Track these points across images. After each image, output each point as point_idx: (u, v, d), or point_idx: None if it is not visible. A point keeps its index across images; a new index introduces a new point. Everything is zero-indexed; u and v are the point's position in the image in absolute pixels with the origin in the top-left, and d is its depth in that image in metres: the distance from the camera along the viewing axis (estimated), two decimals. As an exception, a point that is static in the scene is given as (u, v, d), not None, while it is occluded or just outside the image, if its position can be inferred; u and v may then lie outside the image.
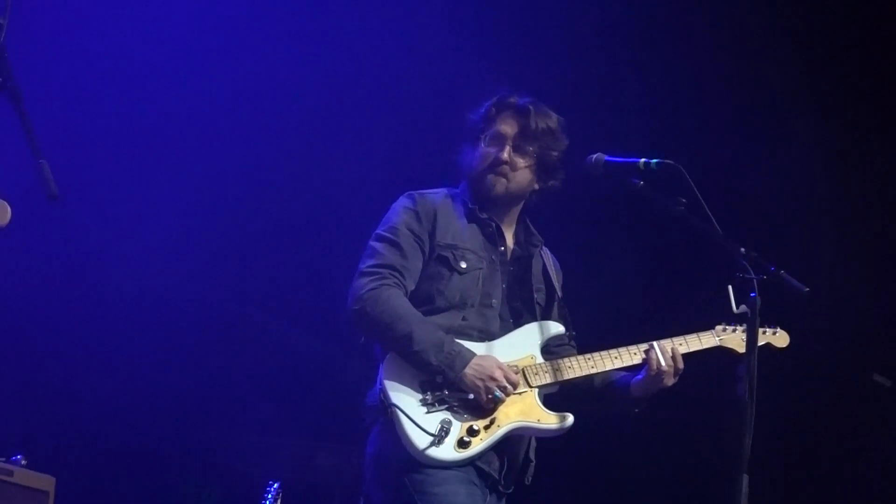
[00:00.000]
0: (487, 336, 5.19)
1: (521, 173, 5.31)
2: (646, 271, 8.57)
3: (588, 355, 5.25)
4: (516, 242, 5.44)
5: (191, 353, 8.54)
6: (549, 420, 5.09)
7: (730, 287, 4.78)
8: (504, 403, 5.03)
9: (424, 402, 4.98)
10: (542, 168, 5.35)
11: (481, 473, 5.07)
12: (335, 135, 8.51)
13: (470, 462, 5.01)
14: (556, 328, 5.32)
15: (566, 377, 5.19)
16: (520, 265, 5.42)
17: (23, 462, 6.55)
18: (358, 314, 5.06)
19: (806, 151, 8.37)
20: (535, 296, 5.38)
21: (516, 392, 5.06)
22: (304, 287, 8.70)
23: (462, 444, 4.95)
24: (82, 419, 8.46)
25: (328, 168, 8.51)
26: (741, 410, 4.46)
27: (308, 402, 8.81)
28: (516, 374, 5.08)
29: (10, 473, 6.44)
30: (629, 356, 5.24)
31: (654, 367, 5.17)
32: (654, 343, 5.22)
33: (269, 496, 6.95)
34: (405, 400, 4.96)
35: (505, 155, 5.28)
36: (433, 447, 4.91)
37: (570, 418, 5.10)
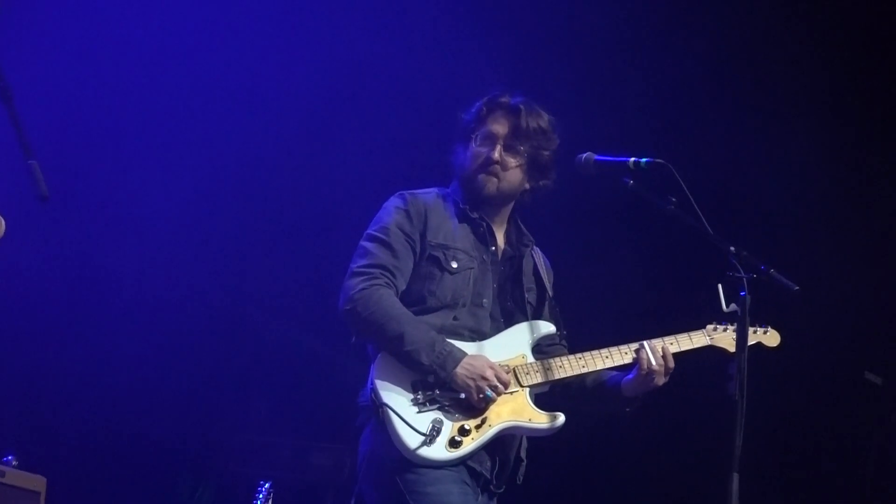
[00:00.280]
0: (479, 336, 5.20)
1: (513, 173, 5.31)
2: (637, 271, 8.57)
3: (579, 355, 5.25)
4: (507, 242, 5.44)
5: (183, 353, 8.54)
6: (540, 419, 5.09)
7: (720, 286, 4.78)
8: (495, 403, 5.04)
9: (416, 402, 4.98)
10: (533, 167, 5.35)
11: (473, 473, 5.07)
12: (330, 134, 8.51)
13: (461, 461, 5.01)
14: (547, 328, 5.32)
15: (557, 377, 5.20)
16: (511, 265, 5.42)
17: (14, 463, 6.56)
18: (349, 314, 5.06)
19: (801, 150, 8.37)
20: (527, 295, 5.38)
21: (507, 392, 5.06)
22: (297, 286, 8.70)
23: (453, 443, 4.95)
24: (74, 419, 8.46)
25: (324, 168, 8.51)
26: (732, 409, 4.46)
27: (300, 402, 8.81)
28: (507, 373, 5.08)
29: (2, 474, 6.46)
30: (620, 356, 5.25)
31: (645, 366, 5.17)
32: (645, 342, 5.23)
33: (261, 496, 6.95)
34: (396, 399, 4.96)
35: (496, 154, 5.28)
36: (424, 447, 4.91)
37: (562, 418, 5.11)
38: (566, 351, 5.37)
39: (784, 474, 8.57)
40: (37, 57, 7.74)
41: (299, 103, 8.37)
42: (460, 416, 4.99)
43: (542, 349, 5.34)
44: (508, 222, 5.46)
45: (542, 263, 5.52)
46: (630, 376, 5.24)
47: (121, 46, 8.13)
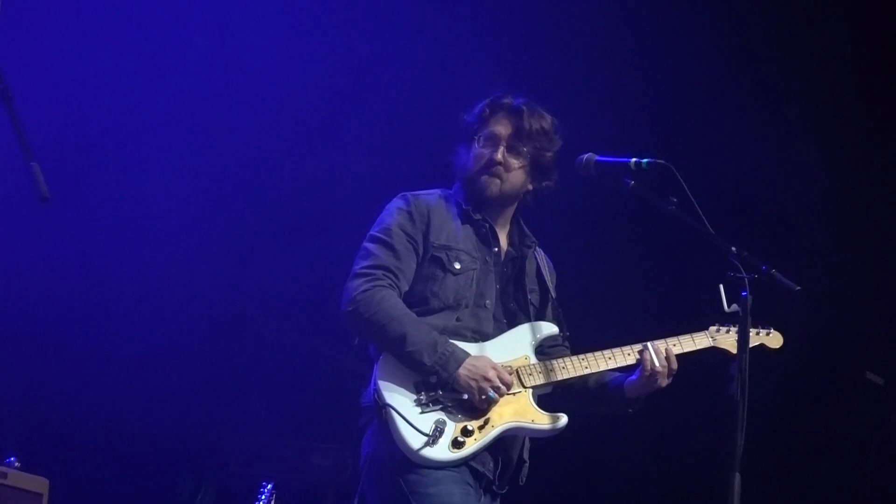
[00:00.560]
0: (481, 337, 5.20)
1: (515, 174, 5.31)
2: (639, 271, 8.57)
3: (582, 356, 5.25)
4: (510, 243, 5.45)
5: (185, 354, 8.54)
6: (542, 420, 5.09)
7: (721, 286, 4.78)
8: (498, 404, 5.04)
9: (419, 403, 4.98)
10: (535, 169, 5.35)
11: (475, 474, 5.07)
12: (332, 134, 8.50)
13: (464, 462, 5.02)
14: (550, 329, 5.33)
15: (560, 378, 5.20)
16: (513, 266, 5.42)
17: (17, 464, 6.56)
18: (352, 315, 5.07)
19: (801, 149, 8.37)
20: (529, 296, 5.38)
21: (510, 392, 5.07)
22: (298, 287, 8.70)
23: (456, 444, 4.96)
24: (76, 421, 8.46)
25: (326, 168, 8.51)
26: (733, 410, 4.47)
27: (302, 403, 8.80)
28: (510, 374, 5.08)
29: (4, 476, 6.45)
30: (623, 357, 5.25)
31: (648, 367, 5.17)
32: (648, 344, 5.23)
33: (263, 496, 6.96)
34: (399, 400, 4.97)
35: (499, 156, 5.28)
36: (427, 447, 4.92)
37: (564, 419, 5.11)
38: (569, 352, 5.37)
39: (785, 474, 8.57)
40: (36, 57, 7.74)
41: (300, 104, 8.37)
42: (463, 417, 4.99)
43: (544, 350, 5.34)
44: (511, 223, 5.46)
45: (545, 264, 5.52)
46: (633, 377, 5.23)
47: (121, 47, 8.13)
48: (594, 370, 5.24)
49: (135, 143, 8.32)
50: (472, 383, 4.97)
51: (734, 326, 5.30)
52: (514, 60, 8.29)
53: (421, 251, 5.22)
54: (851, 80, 8.43)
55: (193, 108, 8.29)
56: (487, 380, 4.98)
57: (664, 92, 8.56)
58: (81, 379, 8.33)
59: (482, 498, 5.11)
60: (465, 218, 5.33)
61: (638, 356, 5.21)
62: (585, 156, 5.14)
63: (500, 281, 5.35)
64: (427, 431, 4.91)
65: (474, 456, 5.01)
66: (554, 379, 5.19)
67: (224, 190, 8.46)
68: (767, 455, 7.94)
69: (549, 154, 5.34)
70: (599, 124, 7.76)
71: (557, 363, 5.20)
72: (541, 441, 5.22)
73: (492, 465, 5.11)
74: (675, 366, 5.21)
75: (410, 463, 4.92)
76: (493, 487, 5.16)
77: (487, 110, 5.37)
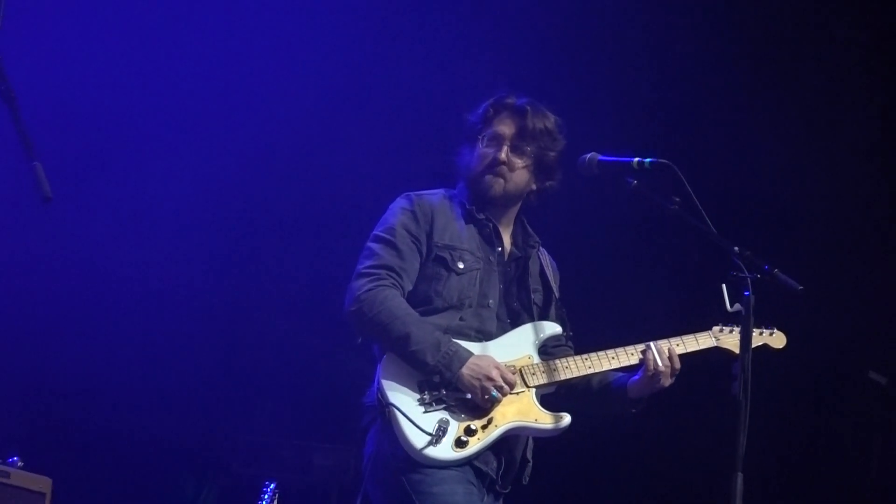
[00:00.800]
0: (485, 336, 5.20)
1: (519, 174, 5.31)
2: (643, 271, 8.57)
3: (585, 356, 5.25)
4: (514, 243, 5.45)
5: (188, 354, 8.54)
6: (546, 420, 5.10)
7: (723, 286, 4.78)
8: (501, 403, 5.04)
9: (422, 402, 4.99)
10: (539, 168, 5.35)
11: (479, 473, 5.08)
12: (335, 133, 8.50)
13: (467, 462, 5.02)
14: (553, 328, 5.33)
15: (563, 377, 5.20)
16: (517, 266, 5.42)
17: (20, 464, 6.55)
18: (355, 315, 5.07)
19: (802, 150, 8.37)
20: (533, 296, 5.39)
21: (513, 392, 5.07)
22: (301, 287, 8.70)
23: (459, 443, 4.96)
24: (79, 420, 8.46)
25: (329, 167, 8.51)
26: (736, 409, 4.47)
27: (305, 403, 8.81)
28: (513, 374, 5.08)
29: (7, 475, 6.45)
30: (626, 357, 5.25)
31: (651, 367, 5.17)
32: (651, 344, 5.22)
33: (266, 496, 6.95)
34: (403, 399, 4.97)
35: (502, 155, 5.28)
36: (431, 447, 4.92)
37: (567, 418, 5.11)
38: (572, 352, 5.37)
39: (787, 474, 8.57)
40: (38, 56, 7.74)
41: (302, 103, 8.37)
42: (466, 417, 4.99)
43: (548, 350, 5.34)
44: (515, 223, 5.46)
45: (549, 264, 5.52)
46: (636, 377, 5.23)
47: (123, 46, 8.13)
48: (597, 370, 5.24)
49: (136, 142, 8.33)
50: (476, 382, 4.98)
51: (737, 326, 5.26)
52: (517, 60, 8.30)
53: (424, 251, 5.23)
54: (852, 80, 8.43)
55: (195, 109, 8.30)
56: (491, 379, 4.99)
57: (667, 91, 8.56)
58: (84, 378, 8.33)
59: (485, 497, 5.12)
60: (469, 218, 5.34)
61: (641, 356, 5.21)
62: (588, 155, 5.13)
63: (504, 280, 5.36)
64: (430, 431, 4.92)
65: (478, 455, 5.01)
66: (557, 379, 5.19)
67: (227, 189, 8.46)
68: (770, 455, 7.94)
69: (553, 154, 5.35)
70: (602, 124, 7.77)
71: (561, 363, 5.21)
72: (544, 441, 5.22)
73: (495, 464, 5.12)
74: (678, 366, 5.21)
75: (414, 462, 4.93)
76: (497, 487, 5.17)
77: (491, 110, 5.37)
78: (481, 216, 5.34)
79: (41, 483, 6.62)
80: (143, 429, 8.63)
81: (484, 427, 5.00)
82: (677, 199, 4.89)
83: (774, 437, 7.96)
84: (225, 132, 8.36)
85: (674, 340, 5.28)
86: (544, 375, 5.17)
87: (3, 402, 8.01)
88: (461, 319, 5.17)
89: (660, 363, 5.16)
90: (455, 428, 4.97)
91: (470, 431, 4.97)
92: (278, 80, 8.39)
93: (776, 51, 8.45)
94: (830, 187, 8.37)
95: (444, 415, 4.97)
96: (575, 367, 5.21)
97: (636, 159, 5.01)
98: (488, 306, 5.25)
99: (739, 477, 4.44)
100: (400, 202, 5.33)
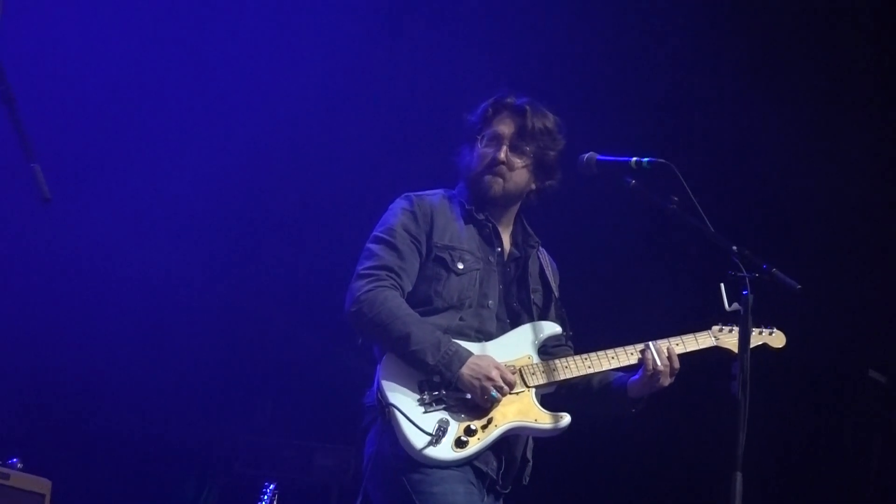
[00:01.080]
0: (485, 336, 5.20)
1: (519, 173, 5.31)
2: (643, 271, 8.57)
3: (585, 355, 5.25)
4: (513, 243, 5.45)
5: (188, 355, 8.55)
6: (545, 420, 5.10)
7: (722, 285, 4.77)
8: (501, 403, 5.04)
9: (422, 402, 4.99)
10: (539, 168, 5.35)
11: (479, 473, 5.08)
12: (335, 133, 8.50)
13: (468, 462, 5.02)
14: (553, 328, 5.33)
15: (563, 377, 5.20)
16: (517, 266, 5.42)
17: (19, 465, 6.55)
18: (355, 316, 5.07)
19: (801, 149, 8.37)
20: (532, 296, 5.39)
21: (513, 392, 5.07)
22: (301, 287, 8.70)
23: (459, 443, 4.96)
24: (78, 422, 8.47)
25: (328, 166, 8.51)
26: (735, 408, 4.47)
27: (305, 403, 8.82)
28: (513, 374, 5.08)
29: (7, 477, 6.45)
30: (626, 356, 5.25)
31: (651, 367, 5.17)
32: (651, 343, 5.22)
33: (266, 497, 6.96)
34: (403, 400, 4.97)
35: (502, 155, 5.28)
36: (431, 447, 4.92)
37: (567, 418, 5.11)
38: (572, 352, 5.37)
39: (787, 473, 8.57)
40: (37, 56, 7.74)
41: (302, 105, 8.37)
42: (466, 417, 4.99)
43: (547, 350, 5.34)
44: (514, 223, 5.47)
45: (548, 264, 5.52)
46: (635, 377, 5.23)
47: (122, 46, 8.13)
48: (597, 370, 5.24)
49: (136, 142, 8.33)
50: (476, 382, 4.98)
51: (737, 326, 5.26)
52: (517, 59, 8.31)
53: (424, 251, 5.23)
54: (852, 79, 8.43)
55: (195, 109, 8.30)
56: (490, 379, 4.99)
57: (666, 90, 8.56)
58: (84, 379, 8.34)
59: (485, 497, 5.11)
60: (469, 218, 5.34)
61: (640, 356, 5.21)
62: (587, 155, 5.14)
63: (504, 281, 5.36)
64: (430, 431, 4.92)
65: (478, 455, 5.01)
66: (557, 378, 5.19)
67: (227, 190, 8.46)
68: (770, 455, 7.94)
69: (553, 153, 5.35)
70: (601, 123, 7.76)
71: (560, 363, 5.21)
72: (544, 441, 5.22)
73: (495, 464, 5.12)
74: (676, 365, 5.21)
75: (414, 462, 4.93)
76: (497, 487, 5.17)
77: (491, 110, 5.37)
78: (481, 216, 5.34)
79: (41, 485, 6.62)
80: (143, 430, 8.64)
81: (484, 427, 5.00)
82: (676, 199, 4.89)
83: (774, 437, 7.97)
84: (224, 133, 8.37)
85: (673, 340, 5.28)
86: (544, 375, 5.17)
87: (3, 404, 8.01)
88: (461, 320, 5.17)
89: (659, 363, 5.16)
90: (455, 428, 4.97)
91: (470, 431, 4.97)
92: (277, 82, 8.40)
93: (775, 49, 8.45)
94: (830, 187, 8.37)
95: (444, 415, 4.97)
96: (575, 366, 5.21)
97: (634, 159, 5.01)
98: (488, 306, 5.25)
99: (739, 476, 4.44)
100: (399, 203, 5.33)
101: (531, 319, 5.33)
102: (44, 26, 7.82)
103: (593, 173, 5.11)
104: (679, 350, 5.25)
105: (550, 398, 5.22)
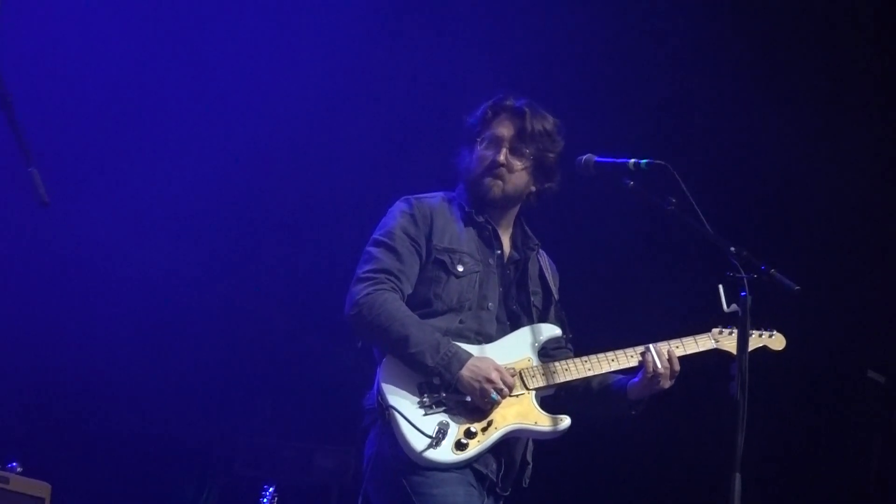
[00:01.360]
0: (484, 338, 5.20)
1: (518, 175, 5.31)
2: (642, 272, 8.57)
3: (585, 358, 5.26)
4: (513, 245, 5.45)
5: (187, 357, 8.54)
6: (545, 422, 5.10)
7: (720, 286, 4.77)
8: (501, 405, 5.04)
9: (422, 405, 4.99)
10: (538, 170, 5.35)
11: (479, 475, 5.08)
12: (335, 134, 8.49)
13: (468, 464, 5.02)
14: (553, 331, 5.33)
15: (563, 380, 5.20)
16: (516, 268, 5.42)
17: (18, 469, 6.54)
18: (355, 319, 5.07)
19: (801, 149, 8.37)
20: (532, 298, 5.39)
21: (513, 394, 5.07)
22: (302, 289, 8.70)
23: (459, 446, 4.96)
24: (78, 425, 8.46)
25: (328, 168, 8.51)
26: (734, 409, 4.47)
27: (305, 404, 8.81)
28: (513, 376, 5.08)
29: (6, 481, 6.43)
30: (626, 359, 5.25)
31: (651, 369, 5.17)
32: (651, 346, 5.23)
33: (266, 499, 6.96)
34: (402, 402, 4.98)
35: (501, 157, 5.28)
36: (431, 449, 4.92)
37: (567, 421, 5.11)
38: (572, 354, 5.38)
39: (787, 474, 8.57)
40: (35, 59, 7.74)
41: (301, 106, 8.37)
42: (466, 419, 4.99)
43: (547, 352, 5.34)
44: (514, 225, 5.46)
45: (548, 266, 5.52)
46: (635, 379, 5.23)
47: (119, 48, 8.12)
48: (597, 372, 5.24)
49: (135, 143, 8.32)
50: (475, 384, 4.98)
51: (737, 328, 5.29)
52: (515, 60, 8.30)
53: (424, 254, 5.23)
54: (852, 79, 8.43)
55: (194, 110, 8.30)
56: (490, 381, 4.99)
57: (664, 91, 8.56)
58: (83, 382, 8.33)
59: (485, 500, 5.12)
60: (468, 220, 5.34)
61: (640, 358, 5.21)
62: (584, 156, 5.14)
63: (503, 283, 5.35)
64: (430, 433, 4.92)
65: (478, 458, 5.01)
66: (557, 381, 5.19)
67: (227, 191, 8.45)
68: (769, 455, 7.94)
69: (552, 155, 5.35)
70: (599, 124, 7.76)
71: (560, 365, 5.21)
72: (544, 443, 5.22)
73: (495, 466, 5.12)
74: (677, 367, 5.21)
75: (414, 464, 4.93)
76: (497, 489, 5.17)
77: (490, 112, 5.37)
78: (480, 218, 5.34)
79: (40, 488, 6.61)
80: (142, 432, 8.63)
81: (484, 429, 5.00)
82: (674, 200, 4.89)
83: (774, 438, 7.96)
84: (223, 133, 8.36)
85: (673, 342, 5.29)
86: (544, 378, 5.17)
87: (2, 407, 8.01)
88: (461, 322, 5.17)
89: (659, 365, 5.17)
90: (455, 430, 4.97)
91: (470, 434, 4.97)
92: (277, 82, 8.39)
93: (775, 49, 8.45)
94: (830, 187, 8.37)
95: (443, 417, 4.97)
96: (574, 369, 5.21)
97: (632, 160, 5.01)
98: (488, 309, 5.25)
99: (738, 477, 4.44)
100: (399, 205, 5.33)
101: (531, 322, 5.33)
102: (41, 28, 7.82)
103: (591, 175, 5.11)
104: (679, 352, 5.25)
105: (550, 400, 5.23)
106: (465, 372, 4.98)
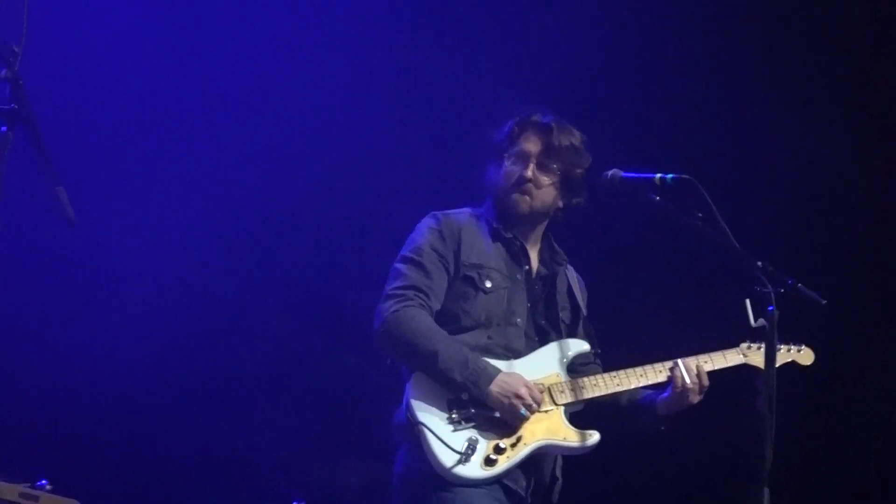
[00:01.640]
0: (513, 354, 5.21)
1: (546, 191, 5.33)
2: (669, 287, 8.55)
3: (613, 373, 5.26)
4: (541, 261, 5.46)
5: (217, 374, 8.53)
6: (574, 438, 5.10)
7: (747, 301, 4.77)
8: (530, 421, 5.05)
9: (451, 421, 5.00)
10: (566, 185, 5.36)
11: (508, 491, 5.08)
12: (349, 135, 8.47)
13: (497, 480, 5.03)
14: (581, 346, 5.33)
15: (591, 395, 5.20)
16: (544, 284, 5.43)
17: (48, 487, 6.57)
18: (384, 336, 5.09)
19: (801, 149, 8.35)
20: (561, 314, 5.40)
21: (542, 410, 5.07)
22: (330, 301, 8.69)
23: (489, 461, 4.97)
24: (107, 442, 8.47)
25: (340, 171, 8.45)
26: (761, 424, 4.46)
27: (334, 420, 8.81)
28: (541, 392, 5.09)
29: (36, 499, 6.46)
30: (654, 374, 5.25)
31: (679, 384, 5.17)
32: (680, 361, 5.23)
33: (294, 515, 6.97)
34: (432, 418, 4.99)
35: (529, 173, 5.30)
36: (460, 465, 4.93)
37: (596, 436, 5.11)
38: (600, 369, 5.38)
39: (786, 473, 8.51)
40: (40, 59, 7.75)
41: (313, 111, 8.34)
42: (495, 435, 5.00)
43: (576, 368, 5.34)
44: (542, 241, 5.48)
45: (576, 282, 5.53)
46: (664, 395, 5.24)
47: (131, 47, 8.13)
48: (626, 387, 5.25)
49: (142, 145, 8.31)
50: (504, 400, 4.99)
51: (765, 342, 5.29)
52: (539, 74, 8.30)
53: (452, 270, 5.24)
54: (854, 78, 8.41)
55: (200, 117, 8.27)
56: (519, 397, 4.99)
57: (687, 105, 8.55)
58: (111, 399, 8.34)
59: (515, 516, 5.13)
60: (496, 236, 5.35)
61: (669, 373, 5.22)
62: (610, 172, 5.12)
63: (531, 299, 5.36)
64: (459, 449, 4.93)
65: (507, 474, 5.02)
66: (585, 396, 5.20)
67: (250, 200, 8.43)
68: (797, 470, 7.91)
69: (580, 170, 5.36)
70: (623, 139, 7.75)
71: (589, 381, 5.21)
72: (574, 458, 5.22)
73: (524, 482, 5.12)
74: (706, 382, 5.21)
75: (443, 481, 4.94)
76: (527, 505, 5.18)
77: (517, 128, 5.39)
78: (508, 234, 5.35)
79: (69, 505, 6.64)
80: (169, 449, 8.63)
81: (513, 445, 5.01)
82: (700, 215, 4.88)
83: (802, 452, 7.93)
84: (236, 139, 8.34)
85: (702, 357, 5.29)
86: (572, 393, 5.17)
87: (33, 425, 8.03)
88: (489, 338, 5.18)
89: (688, 380, 5.17)
90: (484, 446, 4.98)
91: (499, 449, 4.98)
92: (292, 90, 8.35)
93: (802, 59, 8.42)
94: (830, 187, 8.35)
95: (473, 433, 4.98)
96: (603, 384, 5.22)
97: (658, 175, 5.00)
98: (516, 324, 5.26)
99: (766, 492, 4.44)
100: (427, 222, 5.35)
101: (559, 337, 5.34)
102: (63, 46, 7.84)
103: (617, 190, 5.11)
104: (708, 367, 5.25)
105: (579, 416, 5.22)
106: (493, 388, 4.99)
